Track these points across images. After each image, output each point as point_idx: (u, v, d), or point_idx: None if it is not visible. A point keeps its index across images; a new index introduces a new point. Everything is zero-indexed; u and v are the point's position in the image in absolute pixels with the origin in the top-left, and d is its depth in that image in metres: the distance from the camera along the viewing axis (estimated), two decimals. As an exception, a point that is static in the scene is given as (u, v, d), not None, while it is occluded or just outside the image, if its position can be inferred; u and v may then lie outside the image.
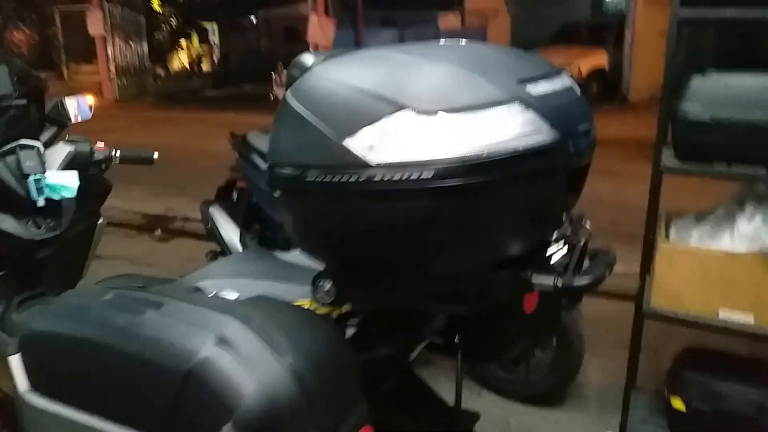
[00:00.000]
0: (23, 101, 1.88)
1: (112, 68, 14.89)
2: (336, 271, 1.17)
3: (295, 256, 1.82)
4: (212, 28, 20.89)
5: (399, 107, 0.95)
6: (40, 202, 1.81)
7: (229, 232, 2.61)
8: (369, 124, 0.96)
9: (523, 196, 1.00)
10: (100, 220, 2.19)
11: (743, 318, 2.03)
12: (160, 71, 18.65)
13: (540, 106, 0.99)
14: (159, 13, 18.84)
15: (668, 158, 2.15)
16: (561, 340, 2.57)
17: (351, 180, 0.97)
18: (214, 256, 2.74)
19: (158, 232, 5.31)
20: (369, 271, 1.14)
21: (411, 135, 0.95)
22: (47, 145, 1.95)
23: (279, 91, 9.30)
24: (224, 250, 2.63)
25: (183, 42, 20.15)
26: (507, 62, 1.10)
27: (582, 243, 1.17)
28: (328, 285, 1.17)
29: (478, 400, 2.76)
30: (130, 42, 15.55)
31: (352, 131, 0.97)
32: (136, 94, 15.37)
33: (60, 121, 1.99)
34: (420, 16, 14.33)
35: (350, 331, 1.31)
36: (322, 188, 1.00)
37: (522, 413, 2.71)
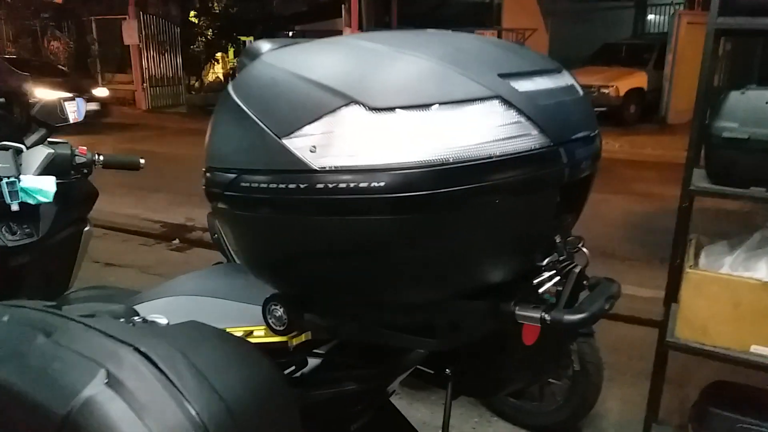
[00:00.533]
0: (1, 99, 1.80)
1: (146, 78, 15.15)
2: (286, 294, 1.01)
3: None
4: (249, 42, 21.14)
5: (347, 102, 0.79)
6: (14, 207, 1.71)
7: None
8: (312, 122, 0.81)
9: (503, 213, 0.83)
10: (87, 227, 2.11)
11: (779, 354, 1.88)
12: (194, 82, 18.92)
13: (526, 105, 0.82)
14: (195, 25, 19.12)
15: (700, 179, 2.01)
16: (577, 370, 2.46)
17: (292, 187, 0.81)
18: (218, 267, 2.66)
19: (176, 241, 5.27)
20: (322, 296, 0.99)
21: (360, 135, 0.79)
22: (33, 147, 1.86)
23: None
24: (230, 261, 2.56)
25: (219, 54, 20.41)
26: (492, 54, 0.91)
27: (578, 271, 0.96)
28: (279, 311, 1.01)
29: (488, 428, 2.66)
30: (165, 53, 15.83)
31: (292, 129, 0.82)
32: (169, 105, 15.63)
33: (47, 123, 1.89)
34: (456, 34, 14.34)
35: (314, 362, 1.15)
36: (262, 196, 0.85)
37: (535, 444, 2.61)
